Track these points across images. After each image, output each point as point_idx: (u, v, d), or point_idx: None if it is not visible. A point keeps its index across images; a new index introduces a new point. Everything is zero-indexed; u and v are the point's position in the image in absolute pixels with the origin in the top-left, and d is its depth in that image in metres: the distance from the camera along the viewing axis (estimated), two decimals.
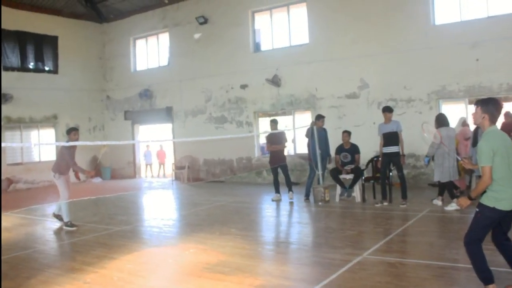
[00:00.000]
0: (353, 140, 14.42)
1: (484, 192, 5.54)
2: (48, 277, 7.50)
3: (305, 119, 19.48)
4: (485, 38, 15.56)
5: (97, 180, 24.44)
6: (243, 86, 21.06)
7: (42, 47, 23.81)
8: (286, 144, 15.29)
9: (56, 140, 23.73)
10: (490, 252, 6.07)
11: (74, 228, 11.43)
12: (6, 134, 22.32)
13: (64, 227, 11.53)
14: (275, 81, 19.81)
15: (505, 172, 5.41)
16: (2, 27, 20.50)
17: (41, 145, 23.90)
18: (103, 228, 11.46)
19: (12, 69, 22.59)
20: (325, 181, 14.59)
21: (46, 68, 24.02)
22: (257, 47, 21.20)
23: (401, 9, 17.10)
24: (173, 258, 8.47)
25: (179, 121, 23.46)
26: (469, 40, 15.81)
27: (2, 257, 8.40)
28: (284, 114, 20.34)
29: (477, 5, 16.07)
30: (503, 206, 5.40)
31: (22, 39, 22.99)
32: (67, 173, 11.70)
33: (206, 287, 6.74)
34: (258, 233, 10.72)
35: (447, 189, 12.22)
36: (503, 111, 12.91)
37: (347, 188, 14.01)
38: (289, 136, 17.59)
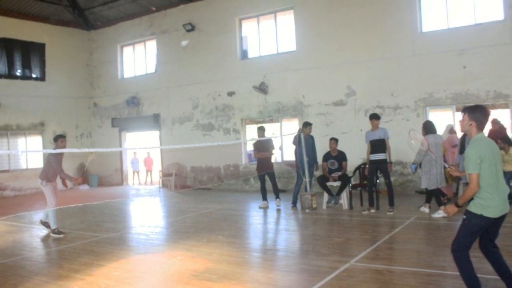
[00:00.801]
0: (340, 147, 14.44)
1: (472, 199, 5.55)
2: (35, 285, 7.45)
3: (292, 126, 19.52)
4: (472, 45, 15.66)
5: (84, 187, 24.36)
6: (231, 93, 21.06)
7: (30, 54, 23.73)
8: (274, 151, 15.29)
9: (43, 147, 23.70)
10: (478, 259, 6.09)
11: (61, 235, 11.38)
12: None
13: (52, 234, 11.48)
14: (262, 89, 19.83)
15: (492, 179, 5.44)
16: None
17: (28, 152, 23.80)
18: (91, 235, 11.41)
19: None
20: (313, 188, 14.61)
21: (33, 75, 23.93)
22: (244, 54, 21.21)
23: (388, 17, 17.18)
24: (160, 265, 8.42)
25: (166, 128, 23.42)
26: (456, 48, 15.91)
27: None
28: (271, 121, 20.34)
29: (464, 12, 16.16)
30: (490, 213, 5.42)
31: (9, 46, 22.90)
32: (55, 180, 11.68)
33: None
34: (245, 240, 10.70)
35: (434, 196, 12.25)
36: (491, 118, 12.99)
37: (334, 195, 14.01)
38: (276, 143, 17.59)
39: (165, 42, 23.35)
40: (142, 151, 27.81)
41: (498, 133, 13.60)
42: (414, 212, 12.54)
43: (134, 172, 26.90)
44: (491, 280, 6.26)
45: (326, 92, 18.42)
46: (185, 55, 22.50)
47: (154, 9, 23.40)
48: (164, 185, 23.03)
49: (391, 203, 12.74)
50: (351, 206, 13.65)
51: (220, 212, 14.59)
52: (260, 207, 14.72)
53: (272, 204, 14.83)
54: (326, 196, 14.11)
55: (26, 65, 23.62)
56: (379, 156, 12.74)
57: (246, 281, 7.24)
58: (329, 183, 14.04)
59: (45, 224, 11.85)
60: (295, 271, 7.74)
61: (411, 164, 13.14)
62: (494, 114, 14.59)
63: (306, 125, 14.52)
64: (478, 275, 5.60)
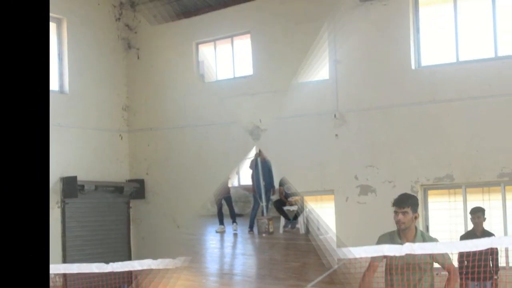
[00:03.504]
0: None
1: None
2: None
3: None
4: None
5: None
6: None
7: None
8: (230, 175, 15.27)
9: None
10: None
11: None
12: None
13: None
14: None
15: None
16: None
17: None
18: None
19: None
20: (269, 212, 14.60)
21: None
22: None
23: None
24: None
25: None
26: None
27: None
28: None
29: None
30: None
31: None
32: None
33: None
34: (202, 265, 10.64)
35: None
36: None
37: (291, 219, 14.02)
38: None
39: None
40: None
41: None
42: None
43: None
44: None
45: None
46: None
47: None
48: None
49: None
50: (308, 230, 13.67)
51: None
52: (217, 232, 14.65)
53: (229, 228, 14.76)
54: (283, 220, 14.11)
55: None
56: None
57: None
58: (286, 207, 14.05)
59: None
60: None
61: None
62: None
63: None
64: None
